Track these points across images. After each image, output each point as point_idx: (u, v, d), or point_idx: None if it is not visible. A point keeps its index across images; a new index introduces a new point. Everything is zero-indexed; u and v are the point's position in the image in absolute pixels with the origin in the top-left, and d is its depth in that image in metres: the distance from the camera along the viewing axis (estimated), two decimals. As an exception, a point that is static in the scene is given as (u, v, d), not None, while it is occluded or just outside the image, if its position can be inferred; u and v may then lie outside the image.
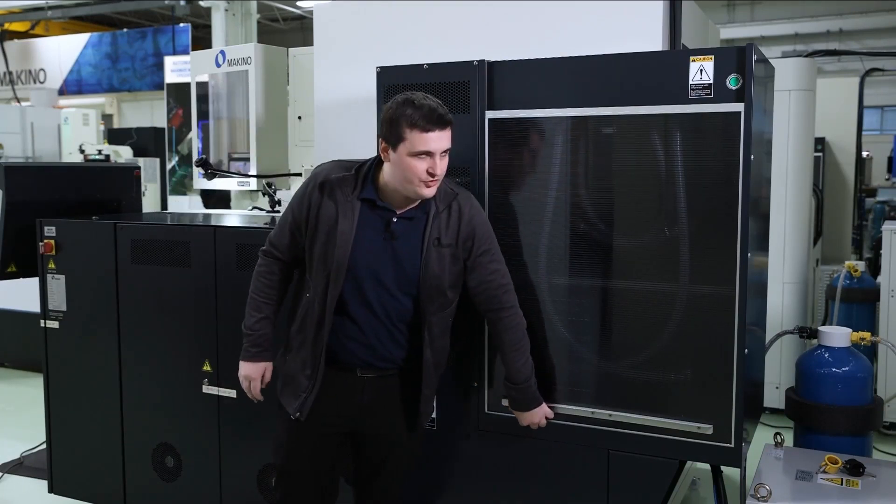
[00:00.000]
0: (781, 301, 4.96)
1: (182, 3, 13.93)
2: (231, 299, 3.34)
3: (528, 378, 2.63)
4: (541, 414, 2.69)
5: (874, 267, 6.11)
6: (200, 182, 4.96)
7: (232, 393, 3.37)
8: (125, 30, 17.40)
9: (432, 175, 2.35)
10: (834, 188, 6.98)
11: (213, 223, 3.62)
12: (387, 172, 2.41)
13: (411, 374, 2.58)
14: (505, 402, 2.78)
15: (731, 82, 2.44)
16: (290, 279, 2.65)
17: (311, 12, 5.14)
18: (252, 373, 2.65)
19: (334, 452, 2.67)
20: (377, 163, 2.47)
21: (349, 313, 2.49)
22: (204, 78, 5.37)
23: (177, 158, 10.60)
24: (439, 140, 2.34)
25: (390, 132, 2.35)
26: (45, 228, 3.78)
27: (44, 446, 4.04)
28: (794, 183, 4.96)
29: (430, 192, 2.39)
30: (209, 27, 12.67)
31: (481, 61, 2.76)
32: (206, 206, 7.76)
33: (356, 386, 2.56)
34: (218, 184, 5.27)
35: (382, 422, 2.63)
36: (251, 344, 2.62)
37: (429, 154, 2.33)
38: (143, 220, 3.74)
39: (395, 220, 2.45)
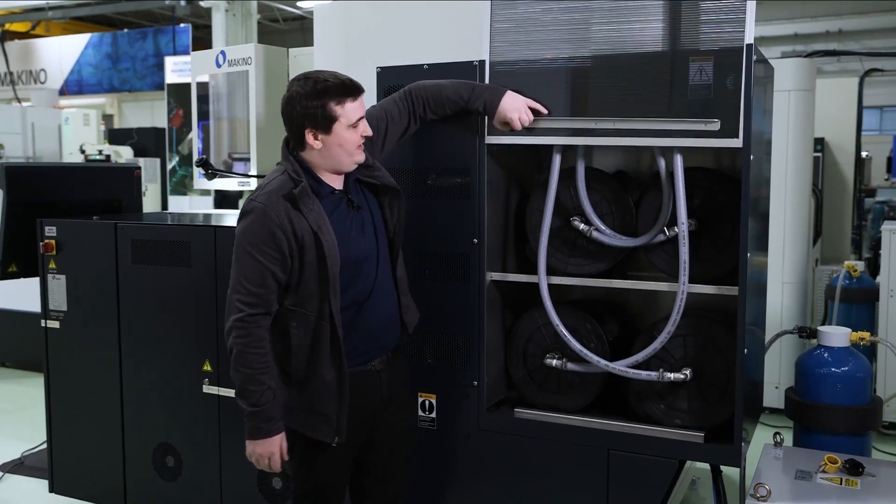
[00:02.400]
0: (781, 301, 4.97)
1: (182, 3, 13.92)
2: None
3: (472, 86, 2.68)
4: (520, 100, 2.65)
5: (873, 267, 6.11)
6: (202, 182, 4.96)
7: (232, 393, 3.36)
8: (126, 30, 17.40)
9: (364, 138, 2.40)
10: (833, 188, 6.98)
11: (213, 223, 3.63)
12: (318, 158, 2.38)
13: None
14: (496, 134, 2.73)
15: (731, 83, 2.44)
16: None
17: (311, 12, 5.14)
18: (273, 448, 2.36)
19: (351, 463, 2.57)
20: (295, 158, 2.41)
21: (367, 308, 2.44)
22: (204, 78, 5.38)
23: (177, 158, 10.60)
24: (363, 104, 2.41)
25: (320, 117, 2.31)
26: (46, 228, 3.78)
27: (44, 446, 4.05)
28: (793, 183, 4.97)
29: (363, 155, 2.43)
30: (209, 27, 12.67)
31: (481, 61, 2.76)
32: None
33: (374, 382, 2.51)
34: (218, 184, 5.27)
35: (397, 414, 2.61)
36: (263, 420, 2.33)
37: (361, 119, 2.38)
38: (144, 220, 3.75)
39: (349, 195, 2.45)
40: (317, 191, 2.37)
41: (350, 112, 2.34)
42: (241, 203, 5.40)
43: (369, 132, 2.42)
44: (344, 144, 2.36)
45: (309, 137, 2.34)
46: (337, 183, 2.45)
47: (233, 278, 2.33)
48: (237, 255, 2.33)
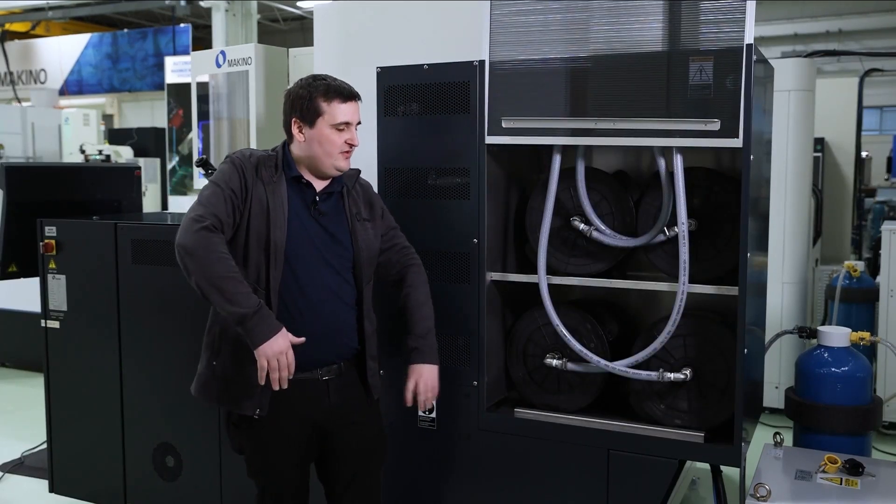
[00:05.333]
0: (781, 301, 4.97)
1: (182, 3, 13.92)
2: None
3: (432, 328, 2.63)
4: (435, 374, 2.57)
5: (873, 267, 6.11)
6: (202, 182, 4.96)
7: (232, 393, 3.37)
8: (126, 30, 17.40)
9: (351, 146, 2.43)
10: (833, 188, 6.98)
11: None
12: (300, 152, 2.44)
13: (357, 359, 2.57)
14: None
15: (731, 83, 2.44)
16: None
17: (311, 12, 5.14)
18: (284, 342, 2.26)
19: (303, 449, 2.54)
20: (285, 146, 2.49)
21: (308, 311, 2.41)
22: (204, 78, 5.38)
23: (177, 158, 10.59)
24: (356, 112, 2.44)
25: (306, 109, 2.39)
26: (46, 228, 3.78)
27: (44, 446, 4.04)
28: (793, 183, 4.97)
29: (347, 164, 2.46)
30: (209, 27, 12.67)
31: (481, 61, 2.76)
32: None
33: (320, 390, 2.48)
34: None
35: (358, 429, 2.57)
36: (264, 316, 2.24)
37: (347, 125, 2.41)
38: (144, 220, 3.75)
39: (317, 197, 2.46)
40: (283, 170, 2.43)
41: (335, 111, 2.39)
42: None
43: (355, 141, 2.44)
44: (324, 143, 2.39)
45: (294, 129, 2.42)
46: (315, 183, 2.47)
47: (192, 205, 2.35)
48: (201, 192, 2.38)
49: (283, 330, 2.28)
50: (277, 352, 2.25)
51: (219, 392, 2.49)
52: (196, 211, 2.31)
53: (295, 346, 2.31)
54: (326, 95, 2.38)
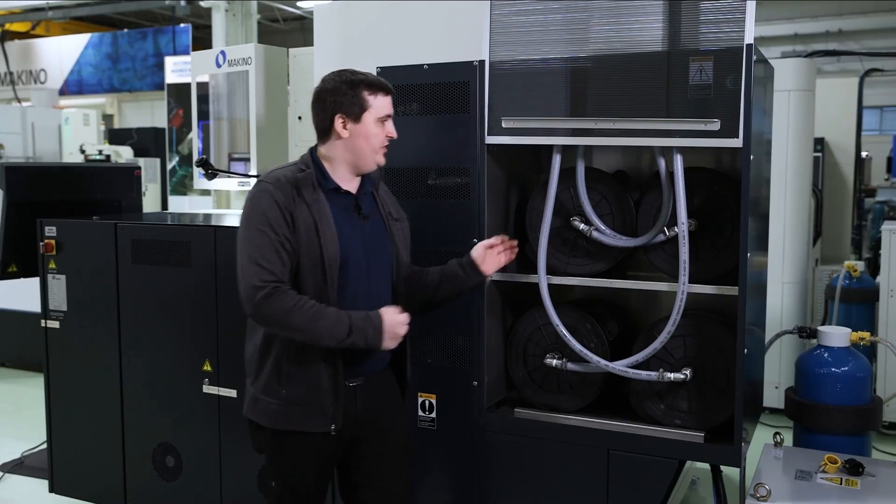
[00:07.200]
0: (781, 301, 4.97)
1: (182, 3, 13.93)
2: (231, 299, 3.33)
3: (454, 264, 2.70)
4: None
5: (873, 267, 6.12)
6: (202, 182, 4.96)
7: (232, 393, 3.37)
8: (126, 30, 17.40)
9: (390, 139, 2.43)
10: (833, 188, 6.98)
11: (213, 223, 3.63)
12: (339, 151, 2.40)
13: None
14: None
15: (731, 83, 2.44)
16: None
17: (311, 12, 5.14)
18: (394, 319, 2.33)
19: (328, 456, 2.50)
20: (314, 156, 2.44)
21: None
22: (204, 78, 5.38)
23: (177, 159, 10.60)
24: (392, 107, 2.44)
25: (351, 103, 2.35)
26: (46, 228, 3.78)
27: (44, 446, 4.05)
28: (793, 183, 4.97)
29: (383, 159, 2.45)
30: (209, 27, 12.67)
31: (481, 61, 2.76)
32: None
33: (348, 396, 2.44)
34: (218, 184, 5.27)
35: (384, 436, 2.55)
36: (359, 326, 2.28)
37: (388, 118, 2.41)
38: (144, 220, 3.74)
39: (357, 202, 2.45)
40: (321, 184, 2.39)
41: (380, 105, 2.38)
42: (232, 203, 5.42)
43: (394, 134, 2.44)
44: (370, 137, 2.38)
45: (338, 124, 2.36)
46: (349, 185, 2.45)
47: (243, 259, 2.27)
48: (246, 235, 2.29)
49: (384, 313, 2.32)
50: (397, 335, 2.35)
51: (292, 417, 2.38)
52: (252, 275, 2.23)
53: (353, 357, 2.37)
54: (371, 88, 2.37)
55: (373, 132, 2.38)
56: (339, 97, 2.36)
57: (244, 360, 2.49)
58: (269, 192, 2.31)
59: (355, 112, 2.36)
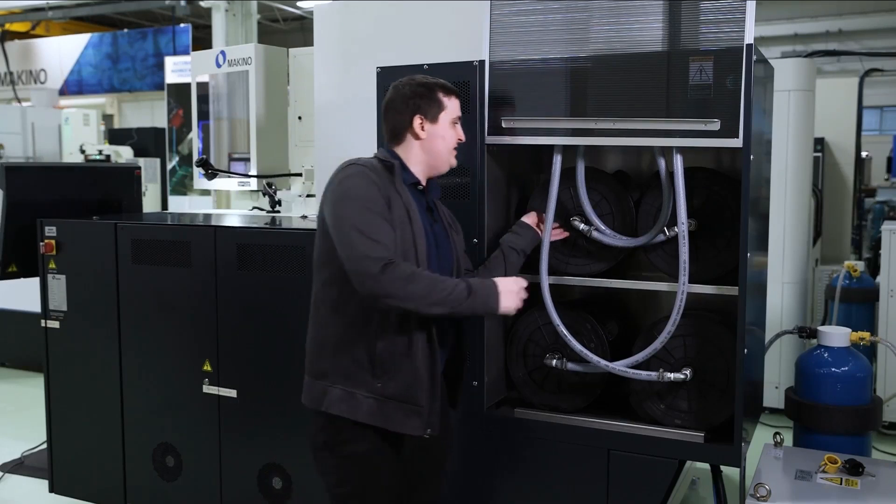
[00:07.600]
0: (781, 301, 4.97)
1: (182, 3, 13.93)
2: (231, 299, 3.34)
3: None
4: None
5: (873, 267, 6.12)
6: (202, 182, 4.96)
7: (232, 393, 3.37)
8: (126, 30, 17.40)
9: (459, 142, 2.46)
10: (833, 188, 6.99)
11: (213, 223, 3.63)
12: (415, 152, 2.40)
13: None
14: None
15: (731, 83, 2.44)
16: None
17: (311, 12, 5.14)
18: (510, 288, 2.33)
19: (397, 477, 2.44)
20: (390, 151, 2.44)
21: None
22: (204, 78, 5.37)
23: (177, 159, 10.61)
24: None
25: (428, 103, 2.38)
26: (46, 228, 3.78)
27: (44, 446, 4.05)
28: (793, 183, 4.97)
29: (455, 161, 2.48)
30: (209, 27, 12.68)
31: (481, 61, 2.76)
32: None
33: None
34: (218, 184, 5.27)
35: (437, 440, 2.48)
36: (477, 290, 2.25)
37: (459, 120, 2.46)
38: (144, 220, 3.74)
39: (431, 202, 2.46)
40: (413, 181, 2.41)
41: (453, 107, 2.43)
42: (232, 203, 5.39)
43: (463, 136, 2.47)
44: (446, 138, 2.41)
45: (416, 124, 2.37)
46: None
47: (353, 236, 2.18)
48: (348, 213, 2.21)
49: (501, 282, 2.32)
50: (515, 306, 2.35)
51: (388, 414, 2.29)
52: (368, 248, 2.16)
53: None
54: (445, 91, 2.41)
55: (448, 134, 2.42)
56: (417, 99, 2.38)
57: (313, 350, 2.37)
58: (367, 174, 2.27)
59: (433, 112, 2.39)
